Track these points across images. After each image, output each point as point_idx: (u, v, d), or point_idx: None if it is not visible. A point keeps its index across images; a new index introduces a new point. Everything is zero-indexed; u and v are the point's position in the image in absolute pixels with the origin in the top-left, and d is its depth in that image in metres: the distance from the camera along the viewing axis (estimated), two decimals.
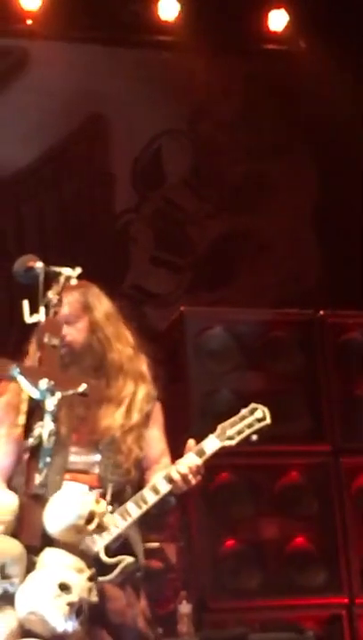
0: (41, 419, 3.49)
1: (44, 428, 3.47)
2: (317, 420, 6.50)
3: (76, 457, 3.75)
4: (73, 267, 3.77)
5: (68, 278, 3.68)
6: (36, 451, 3.48)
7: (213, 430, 6.26)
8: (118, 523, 3.61)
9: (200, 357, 6.54)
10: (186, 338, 6.56)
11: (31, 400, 3.53)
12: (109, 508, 3.55)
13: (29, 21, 8.19)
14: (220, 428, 3.75)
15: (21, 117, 8.29)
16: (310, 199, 8.78)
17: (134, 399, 3.88)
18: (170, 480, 3.68)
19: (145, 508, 3.66)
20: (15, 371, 3.49)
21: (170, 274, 8.50)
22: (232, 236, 8.58)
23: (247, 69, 8.81)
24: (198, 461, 3.74)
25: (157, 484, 3.69)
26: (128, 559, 3.63)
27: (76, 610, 3.26)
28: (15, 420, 3.70)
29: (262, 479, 6.34)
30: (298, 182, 8.72)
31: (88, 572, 3.40)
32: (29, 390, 3.48)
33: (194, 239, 8.57)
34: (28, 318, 3.63)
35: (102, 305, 4.03)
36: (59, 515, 3.41)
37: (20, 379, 3.48)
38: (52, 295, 3.65)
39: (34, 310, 3.64)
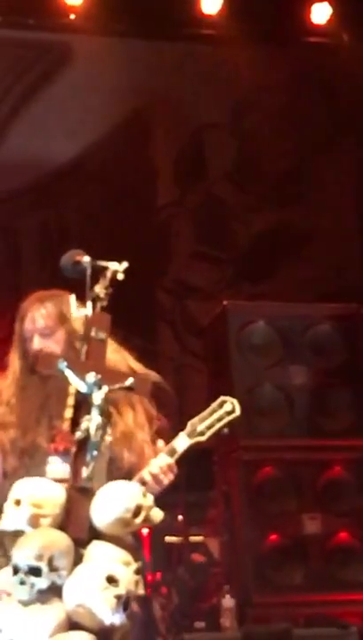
0: (88, 412, 3.49)
1: (91, 421, 3.47)
2: (360, 415, 6.48)
3: (56, 466, 3.70)
4: (115, 261, 3.77)
5: (115, 272, 3.67)
6: (83, 444, 3.48)
7: (256, 425, 6.30)
8: None
9: (243, 352, 6.53)
10: (229, 332, 6.55)
11: (78, 394, 3.53)
12: None
13: (72, 16, 8.21)
14: (190, 424, 3.71)
15: (65, 112, 8.33)
16: (352, 193, 8.74)
17: (115, 404, 3.81)
18: (142, 482, 3.65)
19: None
20: (62, 364, 3.50)
21: (212, 268, 8.50)
22: (275, 229, 8.57)
23: (291, 63, 8.78)
24: (169, 461, 3.70)
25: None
26: None
27: (124, 603, 3.26)
28: None
29: (306, 474, 6.33)
30: (341, 176, 8.69)
31: (135, 565, 3.40)
32: (77, 384, 3.49)
33: (236, 233, 8.56)
34: (76, 312, 3.64)
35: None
36: (106, 508, 3.41)
37: (68, 372, 3.49)
38: (98, 289, 3.65)
39: (81, 304, 3.64)
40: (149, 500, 3.46)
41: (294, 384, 6.46)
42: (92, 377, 3.48)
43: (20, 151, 8.31)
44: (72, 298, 3.66)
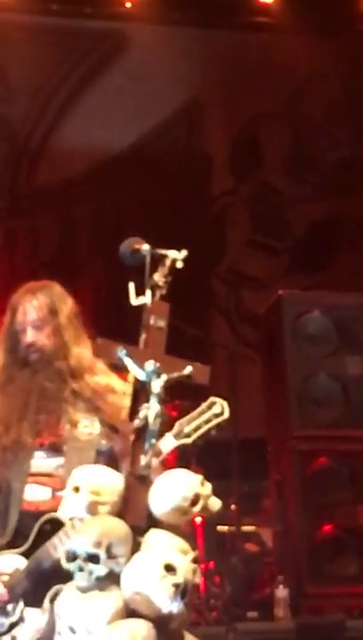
0: (146, 400, 3.49)
1: (150, 409, 3.47)
2: None
3: (41, 460, 3.68)
4: (170, 249, 3.76)
5: (174, 261, 3.66)
6: (141, 432, 3.48)
7: (311, 415, 6.27)
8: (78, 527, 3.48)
9: (298, 342, 6.49)
10: (284, 322, 6.51)
11: (136, 382, 3.53)
12: None
13: (128, 4, 8.22)
14: (178, 424, 3.50)
15: (120, 101, 8.35)
16: None
17: (94, 399, 3.74)
18: None
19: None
20: (122, 352, 3.50)
21: (267, 257, 8.47)
22: (330, 219, 8.51)
23: (346, 51, 8.71)
24: (155, 463, 3.58)
25: None
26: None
27: (181, 591, 3.26)
28: None
29: (361, 464, 6.28)
30: None
31: (192, 554, 3.39)
32: (136, 372, 3.49)
33: (292, 222, 8.52)
34: (134, 300, 3.63)
35: (67, 306, 3.90)
36: (164, 496, 3.41)
37: (127, 360, 3.49)
38: (158, 277, 3.63)
39: (140, 292, 3.64)
40: (208, 488, 3.46)
41: (350, 374, 6.41)
42: (150, 365, 3.48)
43: (77, 139, 8.34)
44: (131, 286, 3.64)
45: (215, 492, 3.50)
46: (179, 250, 3.74)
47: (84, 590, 3.29)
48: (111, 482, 3.46)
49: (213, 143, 8.57)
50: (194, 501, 3.42)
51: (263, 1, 8.36)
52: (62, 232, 8.54)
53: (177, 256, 3.67)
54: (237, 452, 6.72)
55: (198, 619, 5.88)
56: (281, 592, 5.80)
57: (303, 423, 6.22)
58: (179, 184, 8.56)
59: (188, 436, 3.43)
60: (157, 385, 3.46)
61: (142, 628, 3.22)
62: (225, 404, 3.50)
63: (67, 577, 3.38)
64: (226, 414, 3.48)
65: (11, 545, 3.54)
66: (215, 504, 3.47)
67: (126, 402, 3.70)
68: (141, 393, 3.52)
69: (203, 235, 8.31)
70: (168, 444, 3.41)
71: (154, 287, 3.63)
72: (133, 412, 3.51)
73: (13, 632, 3.46)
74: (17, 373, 3.77)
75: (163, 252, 3.69)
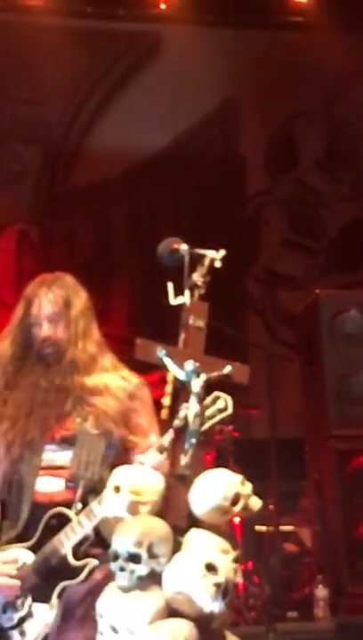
0: (186, 400, 3.49)
1: (190, 409, 3.47)
2: None
3: (53, 454, 3.68)
4: (206, 249, 3.76)
5: (212, 260, 3.66)
6: (181, 432, 3.48)
7: (349, 414, 6.25)
8: (84, 523, 3.50)
9: (335, 341, 6.48)
10: (321, 321, 6.51)
11: (176, 381, 3.54)
12: (79, 505, 3.47)
13: (163, 6, 8.23)
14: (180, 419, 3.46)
15: (155, 102, 8.37)
16: None
17: (104, 392, 3.71)
18: None
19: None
20: (161, 352, 3.51)
21: (303, 257, 8.46)
22: None
23: None
24: (160, 458, 3.46)
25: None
26: (93, 562, 3.50)
27: (223, 591, 3.27)
28: None
29: None
30: None
31: (233, 554, 3.39)
32: (175, 372, 3.49)
33: (327, 222, 8.50)
34: (173, 300, 3.63)
35: (80, 300, 3.86)
36: (205, 496, 3.41)
37: (166, 360, 3.50)
38: (196, 277, 3.64)
39: (178, 292, 3.64)
40: (248, 488, 3.45)
41: None
42: (190, 365, 3.48)
43: (112, 140, 8.37)
44: (169, 285, 3.65)
45: (254, 492, 3.50)
46: (216, 250, 3.75)
47: (125, 590, 3.30)
48: (152, 481, 3.47)
49: (248, 143, 8.57)
50: (234, 501, 3.41)
51: (298, 0, 8.35)
52: (98, 233, 8.57)
53: (216, 256, 3.67)
54: (275, 451, 6.72)
55: (237, 618, 5.88)
56: (320, 592, 5.79)
57: (341, 422, 6.21)
58: (214, 184, 8.56)
59: None
60: (196, 384, 3.47)
61: (184, 627, 3.22)
62: (229, 398, 3.44)
63: (73, 573, 3.45)
64: (230, 409, 3.42)
65: (22, 537, 3.56)
66: (256, 504, 3.46)
67: (123, 397, 3.70)
68: (180, 393, 3.53)
69: (238, 235, 8.31)
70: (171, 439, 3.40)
71: (193, 287, 3.63)
72: (173, 412, 3.52)
73: (23, 626, 3.49)
74: (29, 367, 3.75)
75: (201, 251, 3.69)
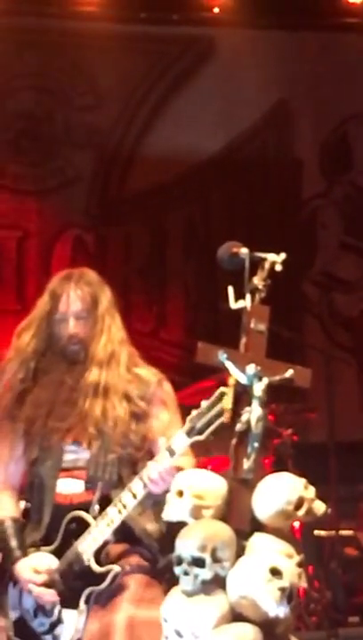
0: (248, 404, 3.49)
1: (252, 413, 3.46)
2: None
3: (72, 455, 3.63)
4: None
5: (273, 263, 3.65)
6: (243, 436, 3.48)
7: None
8: (104, 529, 3.47)
9: None
10: None
11: (238, 385, 3.53)
12: (96, 508, 3.44)
13: (216, 10, 8.23)
14: (188, 421, 3.41)
15: (209, 106, 8.36)
16: None
17: (126, 389, 3.67)
18: (144, 485, 3.46)
19: (125, 513, 3.46)
20: (223, 356, 3.51)
21: (360, 260, 8.40)
22: None
23: None
24: (169, 463, 3.46)
25: (134, 488, 3.48)
26: (116, 568, 3.47)
27: (288, 595, 3.25)
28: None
29: None
30: None
31: (298, 558, 3.38)
32: (237, 375, 3.49)
33: None
34: (234, 304, 3.63)
35: (106, 296, 3.82)
36: (268, 500, 3.40)
37: (228, 364, 3.49)
38: (257, 281, 3.63)
39: (239, 296, 3.63)
40: (311, 492, 3.44)
41: None
42: (252, 368, 3.48)
43: (166, 145, 8.37)
44: (230, 290, 3.64)
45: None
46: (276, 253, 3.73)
47: (189, 594, 3.30)
48: (215, 485, 3.46)
49: (303, 146, 8.53)
50: (298, 505, 3.40)
51: (352, 1, 8.31)
52: (153, 238, 8.58)
53: (276, 259, 3.66)
54: (334, 455, 6.68)
55: (299, 623, 5.86)
56: None
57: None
58: (268, 188, 8.54)
59: (200, 432, 3.37)
60: (258, 388, 3.46)
61: (249, 632, 3.22)
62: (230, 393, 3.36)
63: (97, 579, 3.43)
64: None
65: (45, 539, 3.54)
66: (320, 508, 3.45)
67: (141, 397, 3.65)
68: (242, 396, 3.52)
69: (294, 238, 8.28)
70: (181, 442, 3.35)
71: (254, 291, 3.63)
72: (235, 416, 3.52)
73: (55, 632, 3.47)
74: (51, 363, 3.71)
75: (262, 255, 3.69)
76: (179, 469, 3.46)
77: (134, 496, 3.42)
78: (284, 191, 8.57)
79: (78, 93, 8.45)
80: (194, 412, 3.39)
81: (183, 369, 8.09)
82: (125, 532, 3.49)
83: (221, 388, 3.37)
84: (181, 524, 3.35)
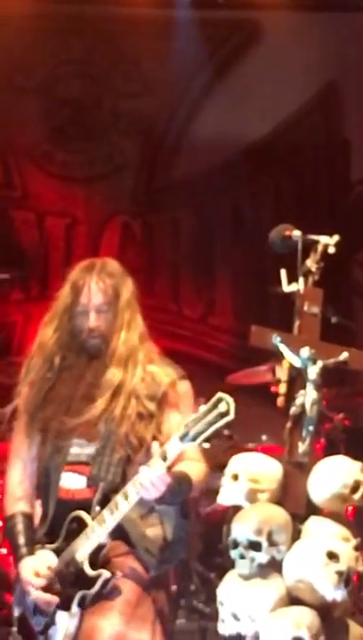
0: (303, 387, 3.48)
1: (307, 396, 3.46)
2: None
3: (79, 449, 3.52)
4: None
5: (326, 246, 3.63)
6: (298, 419, 3.47)
7: None
8: (98, 531, 3.35)
9: None
10: None
11: (292, 369, 3.52)
12: (97, 509, 3.34)
13: None
14: (183, 426, 3.23)
15: (255, 89, 8.31)
16: None
17: (133, 388, 3.52)
18: (136, 490, 3.29)
19: (118, 516, 3.32)
20: (276, 339, 3.50)
21: None
22: None
23: None
24: (161, 470, 3.25)
25: (128, 491, 3.32)
26: (106, 574, 3.32)
27: (345, 579, 3.24)
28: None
29: None
30: None
31: (354, 541, 3.37)
32: (291, 359, 3.48)
33: None
34: (287, 287, 3.61)
35: (127, 289, 3.66)
36: (324, 483, 3.39)
37: (282, 347, 3.48)
38: (310, 263, 3.61)
39: (292, 279, 3.61)
40: None
41: None
42: (306, 351, 3.47)
43: (212, 130, 8.33)
44: (283, 273, 3.62)
45: None
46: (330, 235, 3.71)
47: (246, 578, 3.31)
48: (270, 469, 3.46)
49: (351, 128, 8.45)
50: (354, 488, 3.39)
51: None
52: (201, 224, 8.56)
53: (329, 241, 3.64)
54: None
55: (354, 608, 5.82)
56: None
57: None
58: (317, 171, 8.48)
59: (194, 438, 3.21)
60: (313, 371, 3.45)
61: (306, 615, 3.21)
62: (231, 401, 3.20)
63: (89, 583, 3.33)
64: (231, 415, 3.19)
65: (49, 534, 3.48)
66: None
67: (180, 392, 3.54)
68: (296, 380, 3.51)
69: (342, 221, 8.22)
70: (174, 447, 3.23)
71: (307, 273, 3.61)
72: (289, 399, 3.51)
73: (48, 633, 3.43)
74: (72, 358, 3.60)
75: (314, 237, 3.67)
76: (180, 477, 3.35)
77: (126, 499, 3.29)
78: (332, 174, 8.51)
79: (124, 80, 8.44)
80: (191, 417, 3.22)
81: (232, 354, 8.10)
82: (122, 536, 3.40)
83: (219, 394, 3.22)
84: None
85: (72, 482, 3.49)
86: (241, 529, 3.32)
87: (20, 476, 3.62)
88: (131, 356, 3.56)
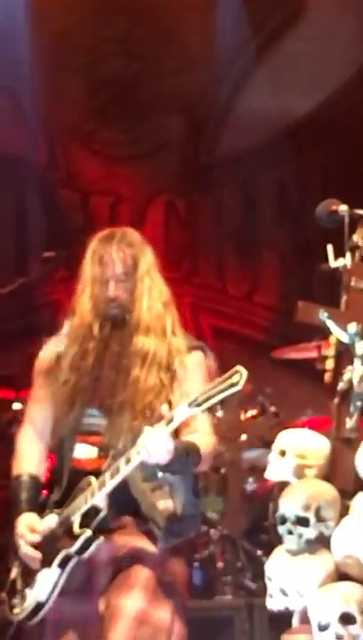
0: (350, 363, 3.46)
1: (354, 372, 3.44)
2: None
3: (90, 419, 3.50)
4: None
5: None
6: (345, 395, 3.45)
7: None
8: (96, 493, 3.33)
9: None
10: None
11: (339, 344, 3.50)
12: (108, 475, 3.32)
13: None
14: (196, 392, 3.25)
15: (299, 66, 8.24)
16: None
17: (155, 357, 3.50)
18: (137, 451, 3.25)
19: (117, 478, 3.29)
20: (324, 315, 3.48)
21: None
22: None
23: None
24: (164, 432, 3.21)
25: (130, 454, 3.29)
26: (87, 532, 3.31)
27: None
28: (44, 382, 3.61)
29: None
30: None
31: None
32: (338, 334, 3.46)
33: None
34: (333, 262, 3.59)
35: (146, 258, 3.64)
36: None
37: (329, 323, 3.46)
38: (357, 238, 3.58)
39: (338, 255, 3.59)
40: None
41: None
42: (353, 327, 3.44)
43: (257, 107, 8.29)
44: (329, 248, 3.60)
45: None
46: None
47: (294, 553, 3.30)
48: (317, 445, 3.45)
49: None
50: None
51: None
52: (246, 201, 8.54)
53: None
54: None
55: None
56: None
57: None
58: (362, 147, 8.41)
59: (199, 404, 3.20)
60: (360, 347, 3.43)
61: (355, 591, 3.20)
62: (245, 374, 3.19)
63: (72, 541, 3.31)
64: (240, 386, 3.18)
65: (59, 503, 3.47)
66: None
67: (189, 363, 3.52)
68: (344, 356, 3.49)
69: None
70: (181, 412, 3.22)
71: (353, 248, 3.59)
72: (337, 375, 3.49)
73: (25, 591, 3.41)
74: (100, 327, 3.58)
75: (361, 212, 3.64)
76: (188, 446, 3.31)
77: (128, 462, 3.28)
78: None
79: (168, 57, 8.41)
80: (206, 386, 3.26)
81: (277, 332, 8.08)
82: (133, 507, 3.37)
83: (236, 367, 3.22)
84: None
85: (83, 452, 3.50)
86: (289, 505, 3.32)
87: (31, 441, 3.63)
88: (158, 324, 3.56)
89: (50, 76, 8.19)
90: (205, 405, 3.19)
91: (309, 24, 8.27)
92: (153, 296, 3.59)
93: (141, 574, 3.35)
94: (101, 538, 3.33)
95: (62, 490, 3.49)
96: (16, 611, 3.43)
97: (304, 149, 8.43)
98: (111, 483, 3.31)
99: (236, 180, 8.58)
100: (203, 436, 3.42)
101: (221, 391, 3.19)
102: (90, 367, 3.54)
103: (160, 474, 3.30)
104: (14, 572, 3.51)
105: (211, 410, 3.23)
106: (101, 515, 3.35)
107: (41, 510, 3.51)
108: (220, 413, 5.65)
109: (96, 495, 3.33)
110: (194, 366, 3.55)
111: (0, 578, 3.59)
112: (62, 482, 3.51)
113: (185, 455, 3.30)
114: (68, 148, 8.43)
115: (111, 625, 3.27)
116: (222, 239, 8.52)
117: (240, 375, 3.18)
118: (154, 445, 3.21)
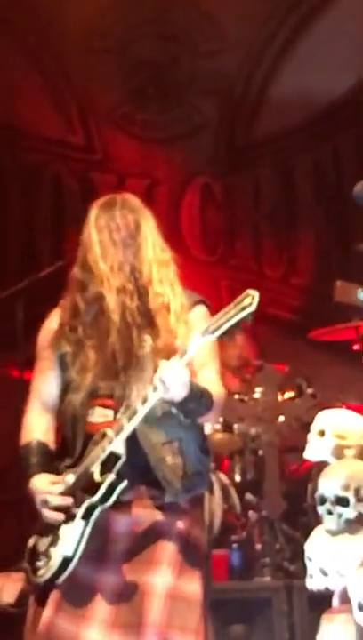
0: None
1: None
2: None
3: (107, 382, 3.43)
4: None
5: None
6: None
7: None
8: (115, 440, 3.28)
9: None
10: None
11: None
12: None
13: None
14: (208, 321, 3.24)
15: (336, 46, 8.18)
16: None
17: (163, 315, 3.47)
18: (154, 387, 3.22)
19: (136, 419, 3.24)
20: (361, 294, 3.46)
21: None
22: None
23: None
24: (180, 363, 3.20)
25: (147, 394, 3.26)
26: (111, 477, 3.23)
27: None
28: (51, 353, 3.55)
29: None
30: None
31: None
32: None
33: None
34: None
35: (148, 222, 3.62)
36: None
37: None
38: None
39: None
40: None
41: None
42: None
43: (293, 88, 8.24)
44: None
45: None
46: None
47: (333, 533, 3.30)
48: (357, 425, 3.44)
49: None
50: None
51: None
52: (282, 183, 8.49)
53: None
54: None
55: None
56: None
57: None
58: None
59: (212, 332, 3.18)
60: None
61: None
62: (256, 296, 3.15)
63: (95, 490, 3.25)
64: (253, 306, 3.14)
65: (73, 467, 3.40)
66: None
67: (183, 322, 3.46)
68: None
69: None
70: (194, 342, 3.20)
71: None
72: None
73: (49, 550, 3.33)
74: (107, 292, 3.53)
75: None
76: (202, 388, 3.29)
77: (144, 401, 3.25)
78: None
79: (203, 38, 8.38)
80: (217, 315, 3.23)
81: (314, 314, 8.04)
82: (142, 461, 3.33)
83: (248, 290, 3.18)
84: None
85: (99, 416, 3.45)
86: (328, 485, 3.31)
87: (38, 412, 3.58)
88: (165, 281, 3.55)
89: (84, 61, 8.19)
90: (219, 332, 3.17)
91: (344, 3, 8.21)
92: (158, 256, 3.59)
93: (167, 549, 3.32)
94: (125, 481, 3.26)
95: (76, 455, 3.45)
96: (41, 572, 3.33)
97: (341, 129, 8.38)
98: (129, 426, 3.28)
99: (272, 162, 8.54)
100: (213, 386, 3.40)
101: (234, 315, 3.16)
102: (104, 330, 3.51)
103: (174, 410, 3.26)
104: (32, 540, 3.44)
105: (226, 336, 3.19)
106: (121, 460, 3.29)
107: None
108: (256, 393, 5.61)
109: (114, 441, 3.29)
110: (199, 319, 3.52)
111: None
112: (75, 448, 3.47)
113: (199, 395, 3.28)
114: (105, 132, 8.43)
115: (144, 604, 3.25)
116: (259, 221, 8.49)
117: (252, 297, 3.15)
118: (169, 377, 3.19)
